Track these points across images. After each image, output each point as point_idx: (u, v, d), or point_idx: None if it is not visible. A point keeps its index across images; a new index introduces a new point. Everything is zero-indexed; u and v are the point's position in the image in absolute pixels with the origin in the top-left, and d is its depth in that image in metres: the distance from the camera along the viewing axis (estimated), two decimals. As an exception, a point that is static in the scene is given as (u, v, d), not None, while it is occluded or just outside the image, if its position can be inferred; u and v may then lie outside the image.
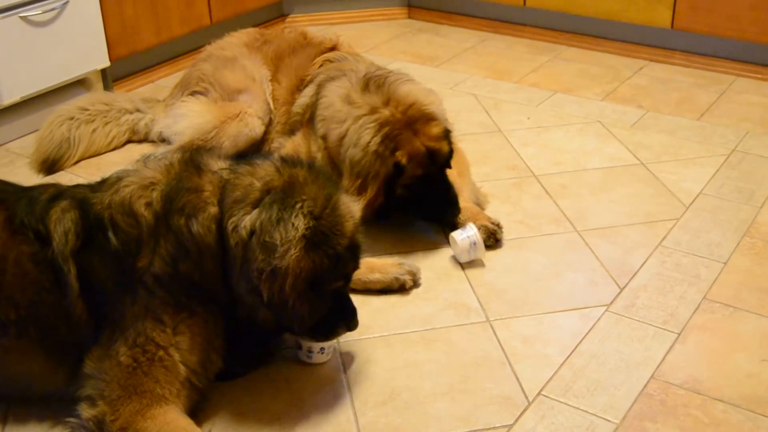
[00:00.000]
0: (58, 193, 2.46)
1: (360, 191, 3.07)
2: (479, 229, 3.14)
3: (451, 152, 3.22)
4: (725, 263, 3.08)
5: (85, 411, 2.26)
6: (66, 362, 2.36)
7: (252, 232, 2.28)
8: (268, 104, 3.71)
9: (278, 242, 2.25)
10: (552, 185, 3.63)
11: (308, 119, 3.43)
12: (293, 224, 2.27)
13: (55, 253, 2.32)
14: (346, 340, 2.72)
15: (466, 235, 3.07)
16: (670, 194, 3.53)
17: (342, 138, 3.19)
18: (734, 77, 4.68)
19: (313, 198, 2.34)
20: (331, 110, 3.29)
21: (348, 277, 2.50)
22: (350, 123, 3.19)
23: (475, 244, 3.05)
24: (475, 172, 3.61)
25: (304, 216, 2.29)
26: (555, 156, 3.88)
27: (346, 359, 2.65)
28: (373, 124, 3.14)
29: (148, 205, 2.36)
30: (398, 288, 2.96)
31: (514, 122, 4.21)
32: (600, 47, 5.10)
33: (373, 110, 3.17)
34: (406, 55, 5.13)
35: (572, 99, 4.46)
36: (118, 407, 2.25)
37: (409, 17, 5.75)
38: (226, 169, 2.44)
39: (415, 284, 2.99)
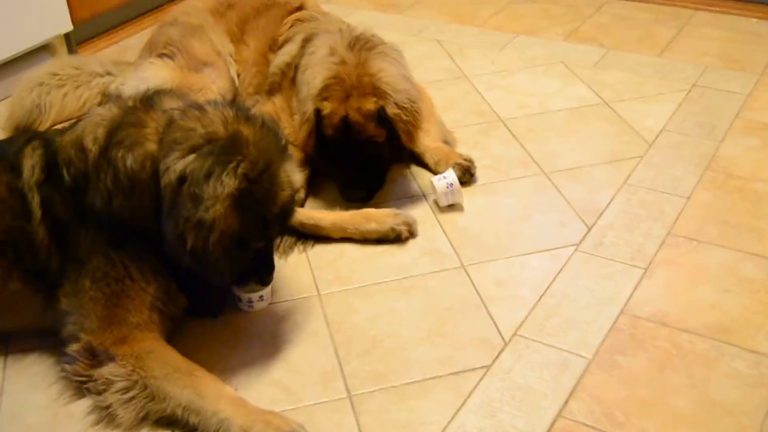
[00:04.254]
0: (33, 135, 2.69)
1: (299, 129, 3.20)
2: (453, 167, 3.24)
3: (376, 136, 3.15)
4: (688, 198, 3.19)
5: (73, 347, 2.42)
6: (40, 290, 2.53)
7: (182, 178, 2.31)
8: (233, 82, 3.73)
9: (205, 196, 2.28)
10: (519, 129, 3.70)
11: (291, 78, 3.44)
12: (222, 181, 2.29)
13: (24, 183, 2.51)
14: (328, 292, 2.81)
15: (444, 180, 3.15)
16: (634, 132, 3.63)
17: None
18: (693, 11, 4.75)
19: (252, 160, 2.35)
20: (315, 59, 3.32)
21: (272, 239, 2.59)
22: (316, 63, 3.25)
23: (452, 185, 3.14)
24: (444, 119, 3.67)
25: (236, 176, 2.31)
26: (520, 99, 3.95)
27: (328, 311, 2.74)
28: (326, 72, 3.18)
29: (95, 140, 2.47)
30: (394, 238, 3.03)
31: (479, 67, 4.27)
32: (560, -14, 5.14)
33: (338, 61, 3.20)
34: (368, 2, 5.14)
35: (535, 41, 4.52)
36: (101, 336, 2.40)
37: (370, -36, 5.74)
38: (176, 109, 2.47)
39: (411, 235, 3.05)
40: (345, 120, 3.12)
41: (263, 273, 2.59)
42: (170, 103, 2.53)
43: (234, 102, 3.62)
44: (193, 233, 2.30)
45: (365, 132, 3.14)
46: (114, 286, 2.43)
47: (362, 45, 3.25)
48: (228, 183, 2.29)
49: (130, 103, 2.54)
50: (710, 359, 2.49)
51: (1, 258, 2.52)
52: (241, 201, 2.32)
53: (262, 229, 2.43)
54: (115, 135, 2.43)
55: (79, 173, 2.47)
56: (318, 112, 3.14)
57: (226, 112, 2.45)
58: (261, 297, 2.73)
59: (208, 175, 2.29)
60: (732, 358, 2.49)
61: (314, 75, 3.22)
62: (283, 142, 2.52)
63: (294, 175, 2.49)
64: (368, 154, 3.20)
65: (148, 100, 2.53)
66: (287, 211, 2.50)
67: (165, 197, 2.34)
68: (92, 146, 2.46)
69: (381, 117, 3.13)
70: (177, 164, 2.32)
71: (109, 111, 2.54)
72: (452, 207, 3.19)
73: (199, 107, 2.46)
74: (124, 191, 2.40)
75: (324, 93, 3.15)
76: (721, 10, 4.70)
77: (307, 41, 3.45)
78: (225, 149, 2.34)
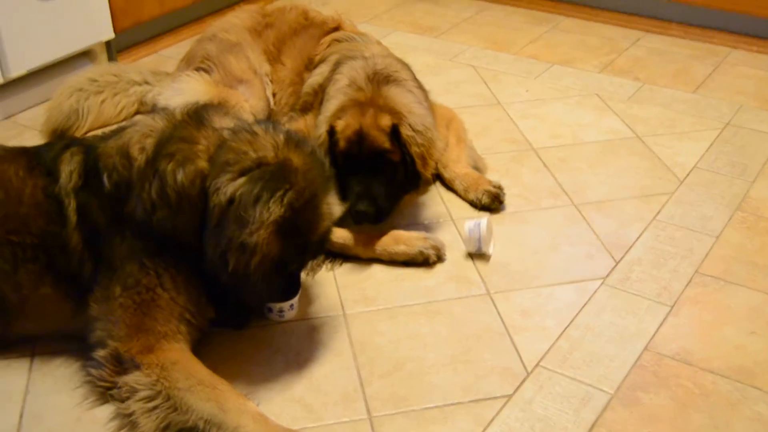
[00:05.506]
0: (72, 141, 2.72)
1: None
2: (482, 194, 3.27)
3: (389, 152, 3.10)
4: (717, 237, 3.18)
5: (100, 352, 2.46)
6: (71, 296, 2.56)
7: (231, 200, 2.37)
8: (267, 101, 3.77)
9: (250, 220, 2.34)
10: (550, 158, 3.71)
11: (321, 100, 3.45)
12: (269, 207, 2.35)
13: (60, 188, 2.55)
14: (353, 312, 2.83)
15: (476, 227, 3.06)
16: (665, 168, 3.63)
17: None
18: (730, 49, 4.75)
19: (299, 190, 2.41)
20: (334, 89, 3.35)
21: (306, 263, 2.67)
22: (334, 93, 3.28)
23: (480, 240, 3.07)
24: (475, 145, 3.69)
25: (282, 205, 2.37)
26: (553, 129, 3.96)
27: (352, 331, 2.76)
28: (342, 98, 3.21)
29: (142, 150, 2.52)
30: (422, 262, 3.05)
31: (513, 94, 4.28)
32: (597, 18, 5.16)
33: (355, 89, 3.22)
34: (405, 25, 5.18)
35: (570, 71, 4.54)
36: (128, 343, 2.43)
37: (409, -14, 5.79)
38: (228, 129, 2.53)
39: (439, 259, 3.07)
40: (359, 132, 3.10)
41: (290, 292, 2.66)
42: (219, 121, 2.57)
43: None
44: (236, 255, 2.36)
45: (378, 143, 3.09)
46: (145, 294, 2.46)
47: (382, 78, 3.27)
48: (274, 210, 2.35)
49: (179, 117, 2.58)
50: (733, 401, 2.48)
51: (34, 262, 2.56)
52: (284, 228, 2.38)
53: (300, 255, 2.50)
54: (164, 147, 2.48)
55: (122, 181, 2.51)
56: (332, 130, 3.14)
57: (276, 137, 2.50)
58: (291, 306, 2.78)
59: (255, 200, 2.35)
60: (755, 401, 2.48)
61: (332, 103, 3.25)
62: (329, 173, 2.58)
63: (335, 207, 2.56)
64: (381, 170, 3.12)
65: (198, 116, 2.57)
66: (324, 239, 2.57)
67: (212, 216, 2.39)
68: (138, 155, 2.51)
69: (395, 134, 3.11)
70: (228, 186, 2.38)
71: (157, 122, 2.58)
72: (482, 256, 3.11)
73: (251, 130, 2.51)
74: (170, 205, 2.44)
75: (339, 113, 3.17)
76: (759, 50, 4.69)
77: (338, 64, 3.48)
78: (274, 176, 2.39)
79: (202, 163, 2.45)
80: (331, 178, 2.59)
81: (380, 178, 3.13)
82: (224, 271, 2.39)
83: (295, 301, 2.77)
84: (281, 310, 2.77)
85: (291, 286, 2.64)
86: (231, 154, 2.44)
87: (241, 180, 2.38)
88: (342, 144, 3.11)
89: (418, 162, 3.14)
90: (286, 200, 2.37)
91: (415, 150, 3.12)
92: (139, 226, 2.48)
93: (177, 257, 2.51)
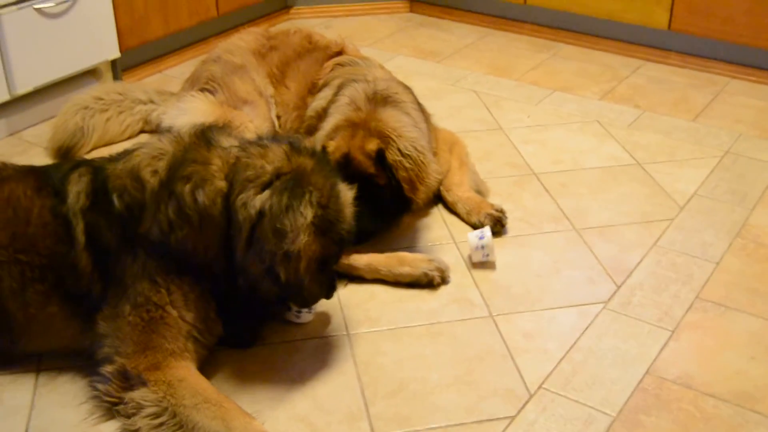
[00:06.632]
0: (80, 162, 2.74)
1: None
2: (485, 218, 3.30)
3: (375, 176, 3.13)
4: (717, 263, 3.21)
5: (107, 368, 2.47)
6: (78, 314, 2.58)
7: (261, 213, 2.44)
8: (272, 123, 3.81)
9: (288, 229, 2.42)
10: (551, 183, 3.75)
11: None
12: (302, 212, 2.44)
13: (68, 209, 2.57)
14: (357, 332, 2.85)
15: (481, 240, 3.15)
16: (666, 195, 3.66)
17: None
18: (728, 79, 4.80)
19: (320, 188, 2.51)
20: (335, 108, 3.39)
21: (341, 256, 2.76)
22: (334, 111, 3.33)
23: (484, 247, 3.15)
24: (477, 169, 3.72)
25: (312, 205, 2.46)
26: (554, 154, 4.00)
27: (356, 351, 2.78)
28: (340, 116, 3.26)
29: (155, 172, 2.55)
30: (426, 283, 3.07)
31: (514, 120, 4.33)
32: (598, 46, 5.22)
33: (353, 109, 3.27)
34: (408, 49, 5.23)
35: (571, 98, 4.58)
36: (135, 360, 2.45)
37: (411, 11, 5.85)
38: (236, 147, 2.60)
39: (443, 281, 3.09)
40: (347, 155, 3.13)
41: (331, 288, 2.72)
42: (227, 140, 2.64)
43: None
44: (283, 265, 2.44)
45: (363, 169, 3.11)
46: (154, 312, 2.48)
47: (380, 98, 3.30)
48: (307, 213, 2.44)
49: (187, 139, 2.61)
50: (734, 426, 2.50)
51: (42, 282, 2.57)
52: (320, 227, 2.48)
53: (339, 246, 2.60)
54: (179, 170, 2.51)
55: (135, 202, 2.53)
56: (323, 150, 3.16)
57: (284, 146, 2.59)
58: (310, 309, 2.85)
59: (287, 210, 2.42)
60: (756, 425, 2.50)
61: (329, 121, 3.30)
62: (332, 164, 2.72)
63: (349, 193, 2.66)
64: (366, 193, 3.04)
65: (205, 137, 2.62)
66: (353, 225, 2.66)
67: (242, 230, 2.45)
68: (150, 178, 2.54)
69: (381, 158, 3.14)
70: (254, 200, 2.45)
71: (165, 144, 2.62)
72: (484, 264, 3.20)
73: (260, 144, 2.60)
74: (192, 224, 2.48)
75: (332, 133, 3.21)
76: (758, 79, 4.74)
77: (341, 88, 3.51)
78: (295, 183, 2.48)
79: (220, 183, 2.50)
80: (335, 167, 2.73)
81: (364, 201, 3.11)
82: (263, 278, 2.47)
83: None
84: (299, 311, 2.84)
85: (332, 282, 2.71)
86: (250, 171, 2.50)
87: (266, 193, 2.46)
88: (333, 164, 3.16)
89: (406, 187, 3.16)
90: (314, 200, 2.47)
91: (402, 174, 3.14)
92: (154, 245, 2.50)
93: (190, 275, 2.53)
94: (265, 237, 2.44)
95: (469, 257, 3.21)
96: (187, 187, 2.48)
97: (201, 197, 2.48)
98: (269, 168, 2.51)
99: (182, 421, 2.34)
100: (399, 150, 3.14)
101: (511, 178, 3.79)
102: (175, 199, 2.48)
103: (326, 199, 2.52)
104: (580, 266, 3.21)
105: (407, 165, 3.14)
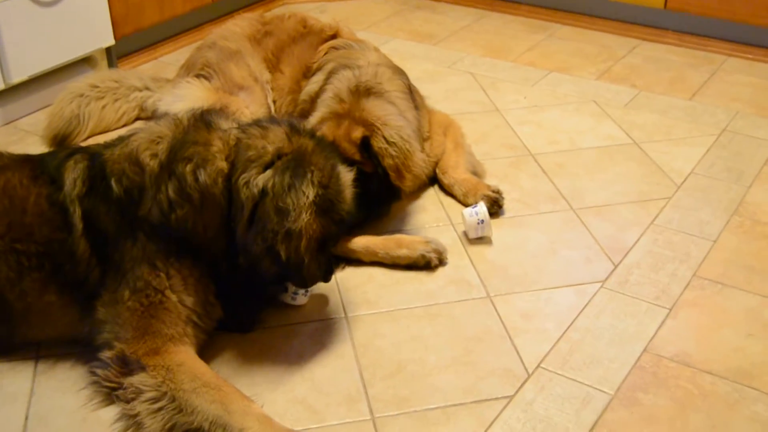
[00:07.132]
0: (76, 149, 2.74)
1: None
2: (482, 199, 3.29)
3: (360, 164, 3.08)
4: (714, 241, 3.22)
5: (106, 353, 2.48)
6: (76, 302, 2.58)
7: (263, 192, 2.47)
8: (268, 108, 3.80)
9: (290, 207, 2.45)
10: (548, 164, 3.75)
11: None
12: (303, 191, 2.47)
13: (65, 196, 2.57)
14: (355, 314, 2.86)
15: (475, 213, 3.19)
16: (662, 173, 3.66)
17: None
18: (725, 57, 4.79)
19: (321, 168, 2.54)
20: (321, 101, 3.39)
21: (341, 237, 2.81)
22: (320, 105, 3.34)
23: (482, 221, 3.18)
24: (474, 151, 3.72)
25: (314, 185, 2.49)
26: (551, 135, 3.99)
27: (355, 333, 2.78)
28: (324, 110, 3.26)
29: (154, 156, 2.56)
30: (424, 265, 3.08)
31: (511, 101, 4.32)
32: (594, 26, 5.20)
33: (337, 101, 3.26)
34: (404, 32, 5.22)
35: (567, 78, 4.57)
36: (134, 345, 2.46)
37: (406, -6, 5.83)
38: (236, 128, 2.63)
39: (441, 263, 3.10)
40: (332, 143, 3.12)
41: (330, 270, 2.74)
42: (226, 123, 2.65)
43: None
44: (285, 244, 2.46)
45: (348, 155, 3.08)
46: (153, 297, 2.49)
47: (363, 90, 3.29)
48: (308, 192, 2.47)
49: (186, 122, 2.62)
50: (731, 402, 2.51)
51: (39, 270, 2.57)
52: (321, 206, 2.51)
53: (338, 227, 2.62)
54: (179, 152, 2.52)
55: (134, 186, 2.53)
56: None
57: (284, 127, 2.61)
58: (306, 291, 2.85)
59: (289, 189, 2.45)
60: (753, 401, 2.51)
61: (315, 115, 3.30)
62: (330, 144, 2.74)
63: (348, 174, 2.68)
64: (354, 183, 3.04)
65: (205, 120, 2.63)
66: (352, 205, 2.68)
67: (244, 210, 2.48)
68: (150, 161, 2.54)
69: (367, 146, 3.13)
70: (257, 179, 2.48)
71: (164, 128, 2.62)
72: (481, 239, 3.22)
73: (260, 125, 2.62)
74: (193, 204, 2.49)
75: (319, 125, 3.20)
76: (754, 57, 4.74)
77: (331, 74, 3.51)
78: (297, 162, 2.51)
79: (221, 163, 2.52)
80: (335, 148, 2.76)
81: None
82: (271, 262, 2.49)
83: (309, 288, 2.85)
84: (295, 293, 2.85)
85: (330, 265, 2.73)
86: (252, 151, 2.53)
87: (268, 172, 2.49)
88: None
89: (392, 175, 3.15)
90: (315, 180, 2.49)
91: (388, 162, 3.13)
92: (155, 227, 2.50)
93: (190, 258, 2.54)
94: (267, 216, 2.46)
95: (465, 234, 3.22)
96: (189, 167, 2.50)
97: (202, 176, 2.49)
98: (270, 148, 2.53)
99: (181, 405, 2.35)
100: (384, 138, 3.14)
101: (508, 159, 3.79)
102: (176, 179, 2.49)
103: (327, 179, 2.54)
104: (578, 246, 3.21)
105: (393, 153, 3.14)
